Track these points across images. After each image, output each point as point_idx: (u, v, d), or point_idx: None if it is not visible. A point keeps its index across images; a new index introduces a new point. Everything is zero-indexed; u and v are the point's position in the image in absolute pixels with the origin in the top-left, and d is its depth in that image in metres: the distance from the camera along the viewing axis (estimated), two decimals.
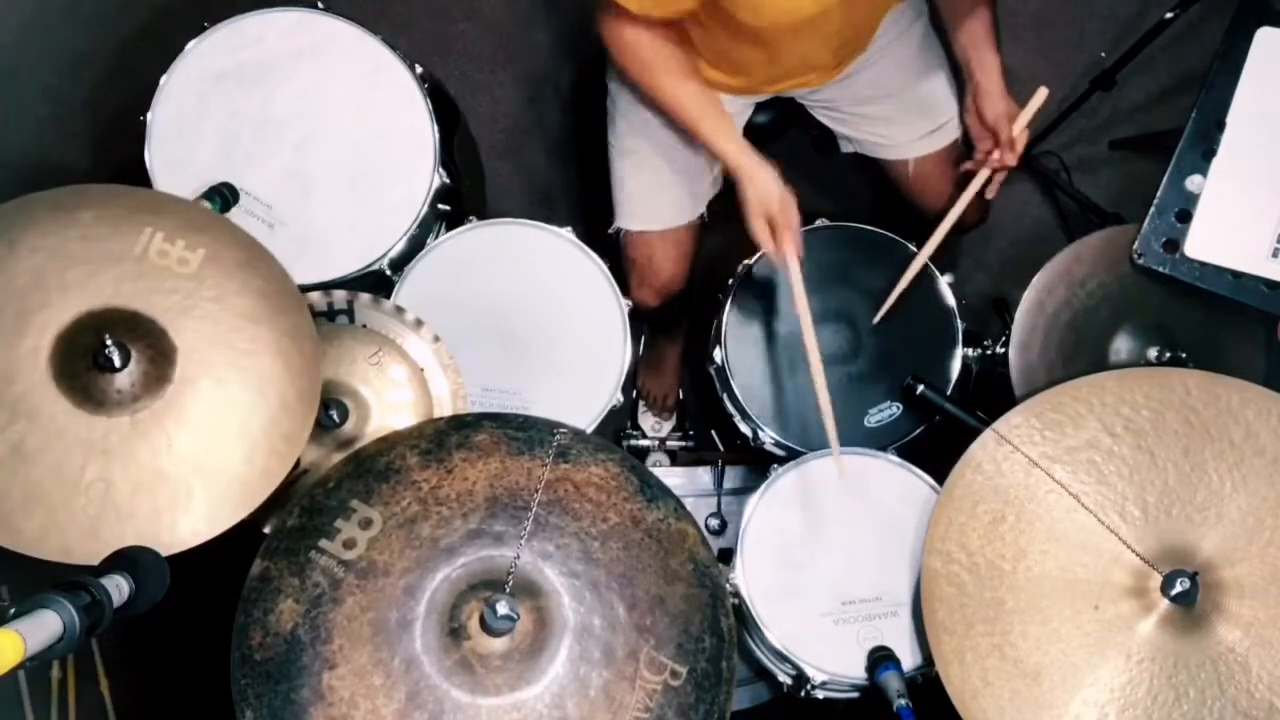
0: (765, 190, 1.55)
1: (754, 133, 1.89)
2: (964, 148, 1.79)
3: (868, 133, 1.85)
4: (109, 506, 1.21)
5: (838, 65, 1.73)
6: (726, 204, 1.89)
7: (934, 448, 1.74)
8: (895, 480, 1.61)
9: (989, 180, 1.69)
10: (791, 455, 1.67)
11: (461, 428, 1.31)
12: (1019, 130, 1.63)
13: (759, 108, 1.85)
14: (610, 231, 1.88)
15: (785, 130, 2.13)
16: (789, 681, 1.57)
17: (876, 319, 1.72)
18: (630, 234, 1.86)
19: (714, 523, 1.95)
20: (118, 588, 1.03)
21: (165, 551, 1.18)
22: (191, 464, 1.24)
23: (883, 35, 1.72)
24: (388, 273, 1.69)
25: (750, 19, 1.47)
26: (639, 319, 1.84)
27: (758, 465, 1.91)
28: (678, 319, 2.24)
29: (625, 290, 1.75)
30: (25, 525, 1.20)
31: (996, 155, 1.63)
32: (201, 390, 1.26)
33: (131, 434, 1.23)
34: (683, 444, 2.24)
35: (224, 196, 1.57)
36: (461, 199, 1.82)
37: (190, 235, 1.30)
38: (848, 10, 1.53)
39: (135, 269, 1.27)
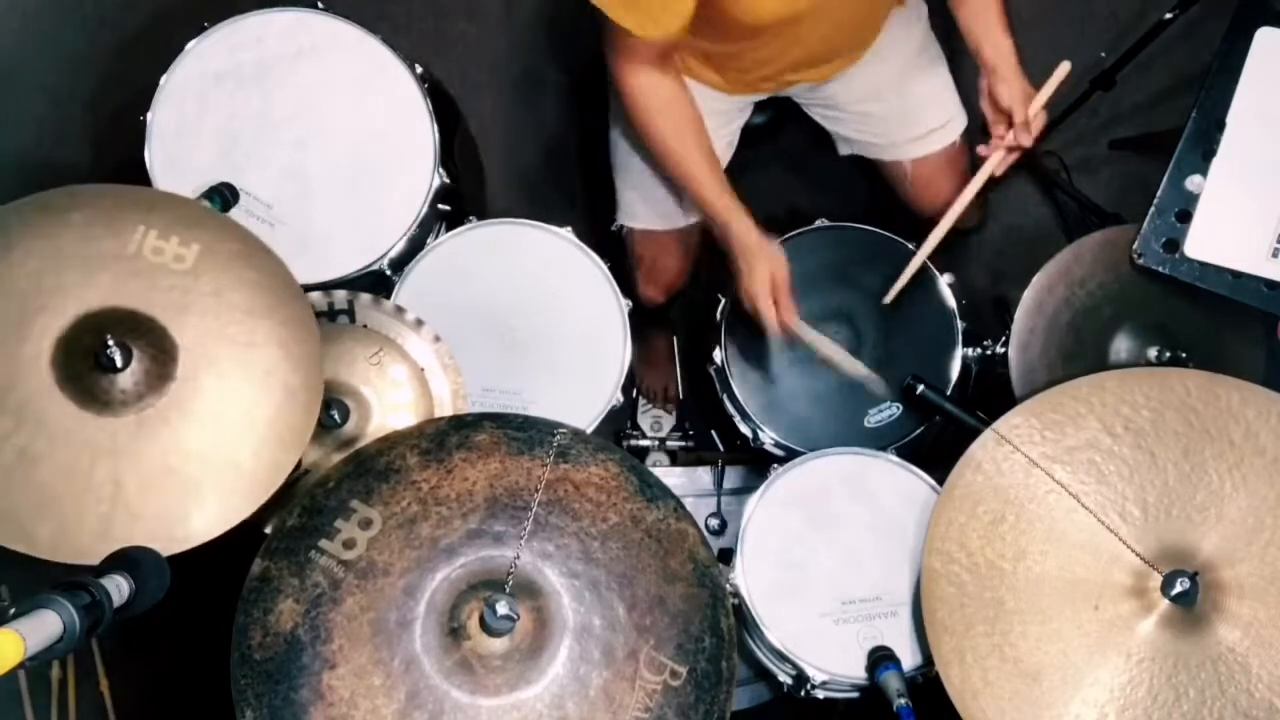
0: (777, 265, 1.58)
1: (751, 134, 1.89)
2: (980, 135, 1.76)
3: (865, 133, 1.84)
4: (120, 506, 1.21)
5: (839, 62, 1.72)
6: None
7: (934, 448, 1.74)
8: (895, 480, 1.60)
9: (1001, 161, 1.63)
10: (791, 455, 1.67)
11: (461, 428, 1.31)
12: (1035, 111, 1.57)
13: (756, 108, 1.85)
14: (613, 228, 1.88)
15: (780, 131, 2.12)
16: (789, 681, 1.57)
17: (889, 298, 1.70)
18: (634, 232, 1.86)
19: (714, 523, 1.94)
20: (118, 588, 1.03)
21: (179, 548, 1.19)
22: (200, 460, 1.24)
23: (882, 35, 1.72)
24: (388, 273, 1.69)
25: (747, 17, 1.46)
26: (638, 313, 1.84)
27: (758, 465, 1.91)
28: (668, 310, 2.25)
29: (629, 286, 1.75)
30: (39, 530, 1.19)
31: (1010, 136, 1.58)
32: (205, 386, 1.26)
33: (138, 433, 1.23)
34: (683, 444, 2.23)
35: (224, 196, 1.57)
36: (461, 199, 1.82)
37: (183, 231, 1.29)
38: (841, 5, 1.51)
39: (131, 268, 1.26)
